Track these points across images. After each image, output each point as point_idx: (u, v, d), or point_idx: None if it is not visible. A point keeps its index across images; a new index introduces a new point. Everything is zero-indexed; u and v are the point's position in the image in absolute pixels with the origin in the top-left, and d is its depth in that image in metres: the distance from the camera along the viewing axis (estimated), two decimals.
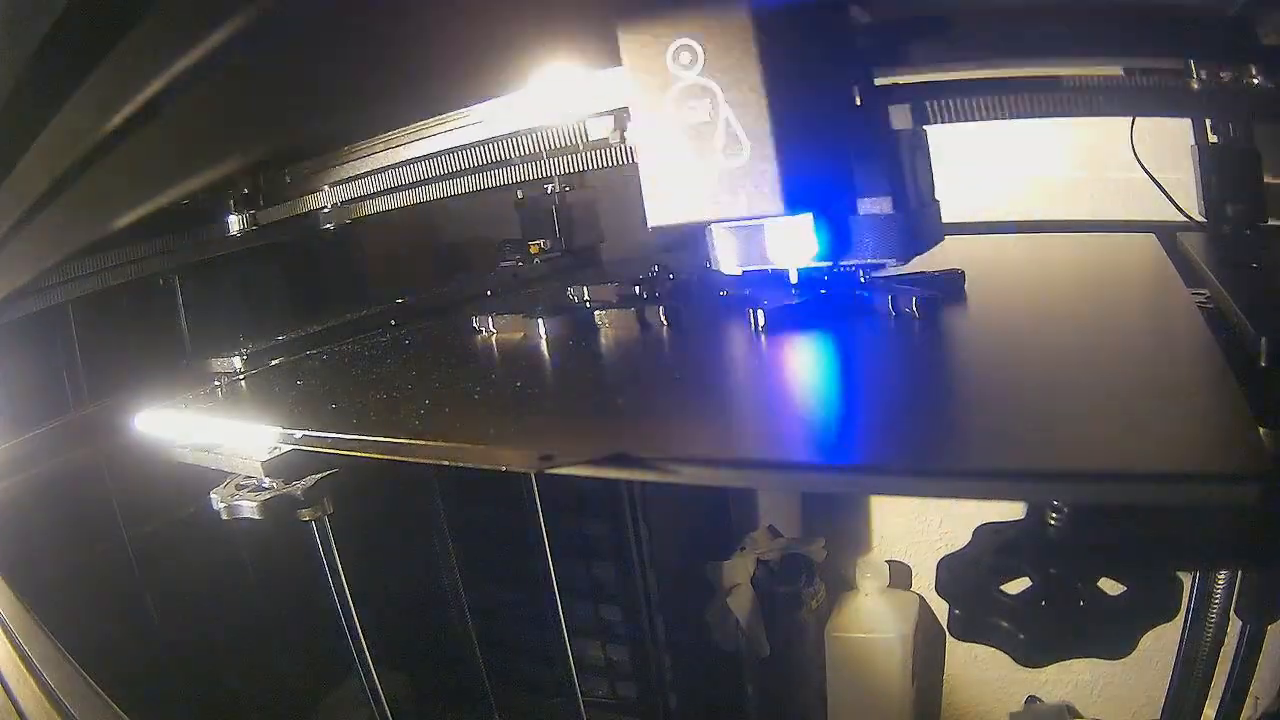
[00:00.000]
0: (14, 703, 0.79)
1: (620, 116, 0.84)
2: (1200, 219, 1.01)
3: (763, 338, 0.76)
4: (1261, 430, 0.44)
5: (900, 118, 0.74)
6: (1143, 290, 0.85)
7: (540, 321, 0.89)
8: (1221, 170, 0.97)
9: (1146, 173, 1.09)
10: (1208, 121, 0.99)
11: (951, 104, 0.73)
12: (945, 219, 0.84)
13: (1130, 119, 1.08)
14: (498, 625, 1.46)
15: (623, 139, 0.85)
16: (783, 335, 0.76)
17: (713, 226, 0.82)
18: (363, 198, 1.09)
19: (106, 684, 0.79)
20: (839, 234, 0.77)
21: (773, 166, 0.66)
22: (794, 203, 0.67)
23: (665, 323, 0.85)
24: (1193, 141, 1.01)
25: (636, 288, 0.99)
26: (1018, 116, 0.72)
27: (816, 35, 0.70)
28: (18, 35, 0.61)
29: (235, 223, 1.17)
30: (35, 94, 0.65)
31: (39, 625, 0.86)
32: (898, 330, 0.73)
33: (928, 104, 0.73)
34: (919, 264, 0.87)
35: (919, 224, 0.79)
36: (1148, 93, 0.75)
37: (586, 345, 0.85)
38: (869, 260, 0.80)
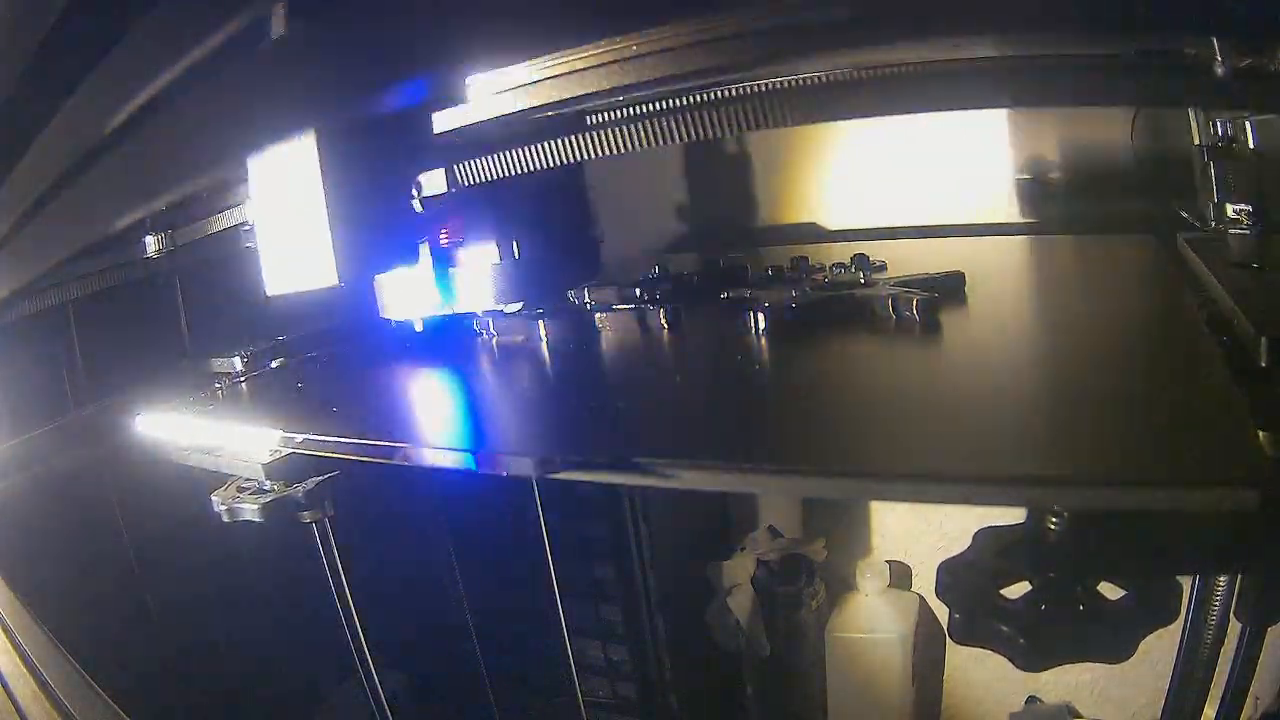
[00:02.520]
0: (14, 703, 0.79)
1: None
2: (1200, 219, 1.01)
3: (763, 341, 0.76)
4: (1261, 434, 0.44)
5: (432, 182, 0.82)
6: (1142, 291, 0.85)
7: (541, 323, 0.89)
8: (1221, 170, 0.97)
9: (1147, 173, 1.08)
10: (1208, 121, 0.99)
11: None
12: (945, 219, 0.85)
13: (1131, 118, 1.08)
14: (498, 625, 1.46)
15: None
16: (782, 338, 0.76)
17: (378, 279, 0.94)
18: None
19: (106, 684, 0.79)
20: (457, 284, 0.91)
21: (328, 242, 0.72)
22: (349, 273, 0.73)
23: (665, 325, 0.85)
24: (1193, 142, 1.01)
25: (637, 289, 0.99)
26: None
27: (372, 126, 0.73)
28: (18, 35, 0.61)
29: (152, 243, 1.11)
30: (35, 94, 0.64)
31: (39, 625, 0.86)
32: (898, 333, 0.72)
33: (458, 166, 0.80)
34: (920, 265, 0.87)
35: (537, 270, 0.92)
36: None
37: (587, 348, 0.85)
38: (486, 307, 0.92)
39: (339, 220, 0.72)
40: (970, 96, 0.69)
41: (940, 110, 0.70)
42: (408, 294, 0.94)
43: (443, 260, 0.93)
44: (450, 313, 0.94)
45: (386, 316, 0.97)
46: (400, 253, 0.82)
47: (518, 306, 0.96)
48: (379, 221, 0.78)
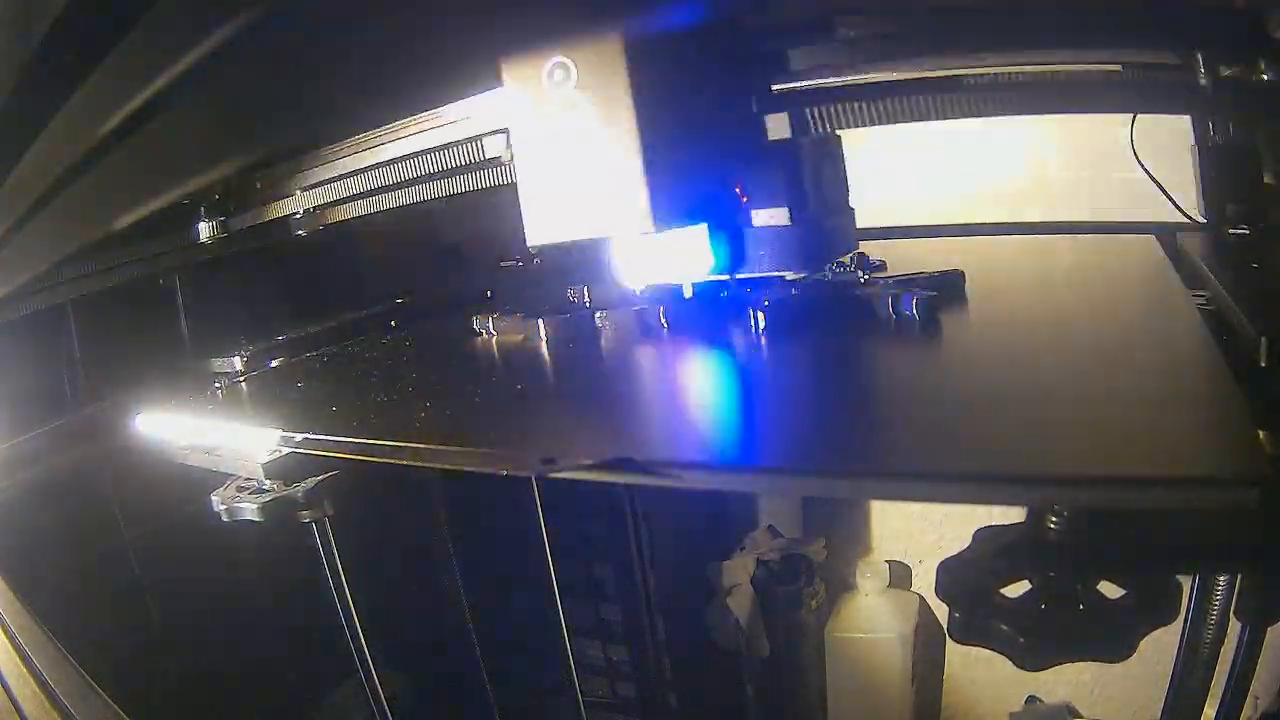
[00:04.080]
0: (14, 703, 0.79)
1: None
2: (1200, 219, 1.01)
3: (762, 339, 0.76)
4: (1261, 433, 0.44)
5: (778, 127, 0.72)
6: (1143, 292, 0.85)
7: (541, 323, 0.88)
8: (1221, 170, 0.97)
9: (1147, 173, 1.08)
10: (1209, 121, 0.99)
11: (842, 109, 0.71)
12: (947, 220, 0.84)
13: (1131, 118, 1.08)
14: (498, 625, 1.46)
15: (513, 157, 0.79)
16: (782, 337, 0.76)
17: (613, 242, 0.81)
18: (334, 203, 1.07)
19: (107, 684, 0.80)
20: (734, 247, 0.78)
21: (641, 183, 0.63)
22: (664, 219, 0.65)
23: (665, 324, 0.85)
24: (1193, 141, 1.01)
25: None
26: (921, 119, 0.70)
27: (696, 50, 0.67)
28: (18, 35, 0.61)
29: (205, 230, 1.16)
30: (35, 94, 0.64)
31: (39, 625, 0.86)
32: (898, 332, 0.72)
33: (809, 111, 0.71)
34: (919, 265, 0.87)
35: (821, 235, 0.79)
36: (1135, 88, 0.74)
37: (587, 347, 0.85)
38: (768, 273, 0.80)
39: (657, 155, 0.63)
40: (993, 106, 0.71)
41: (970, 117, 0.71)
42: (662, 257, 0.80)
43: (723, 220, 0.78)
44: (718, 280, 0.81)
45: (625, 284, 0.85)
46: (731, 200, 0.75)
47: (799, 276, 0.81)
48: (711, 158, 0.71)
